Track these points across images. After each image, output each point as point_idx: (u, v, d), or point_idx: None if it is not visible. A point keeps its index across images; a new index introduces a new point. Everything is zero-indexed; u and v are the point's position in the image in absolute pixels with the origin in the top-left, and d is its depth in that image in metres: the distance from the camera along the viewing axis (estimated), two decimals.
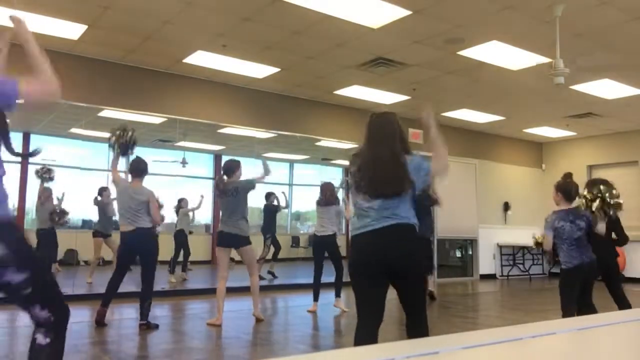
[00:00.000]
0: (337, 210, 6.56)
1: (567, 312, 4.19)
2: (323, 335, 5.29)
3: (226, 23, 5.91)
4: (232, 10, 5.58)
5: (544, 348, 1.38)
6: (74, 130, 8.16)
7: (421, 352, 1.18)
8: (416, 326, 2.86)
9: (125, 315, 6.28)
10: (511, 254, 11.45)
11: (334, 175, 13.29)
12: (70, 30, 6.16)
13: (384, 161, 2.82)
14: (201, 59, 7.07)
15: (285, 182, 13.86)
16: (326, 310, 6.87)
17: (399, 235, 2.75)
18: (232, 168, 5.47)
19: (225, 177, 5.45)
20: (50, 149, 9.36)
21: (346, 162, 12.51)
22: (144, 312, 5.05)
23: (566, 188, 4.41)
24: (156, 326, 5.13)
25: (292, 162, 13.40)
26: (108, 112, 7.63)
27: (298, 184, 13.52)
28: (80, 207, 8.76)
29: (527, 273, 11.50)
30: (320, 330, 5.53)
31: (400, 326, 5.84)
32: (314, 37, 6.24)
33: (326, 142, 9.83)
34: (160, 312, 6.40)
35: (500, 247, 11.29)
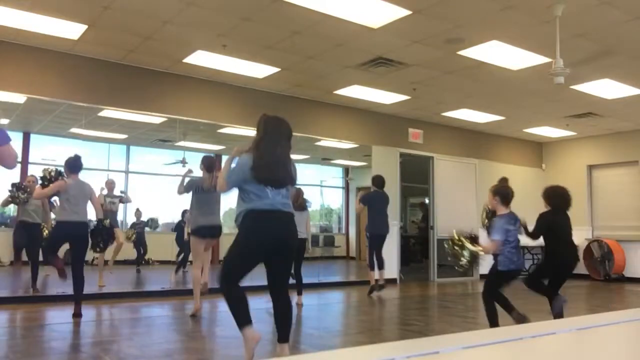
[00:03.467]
0: (308, 215, 6.85)
1: (490, 304, 4.52)
2: (323, 335, 5.29)
3: (226, 23, 5.91)
4: (232, 10, 5.59)
5: (544, 348, 1.39)
6: (74, 130, 8.16)
7: (421, 352, 1.19)
8: (283, 297, 3.44)
9: (125, 315, 6.29)
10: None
11: (334, 174, 13.30)
12: (70, 30, 6.16)
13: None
14: (201, 59, 7.07)
15: None
16: (326, 310, 6.88)
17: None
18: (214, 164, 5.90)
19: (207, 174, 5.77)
20: (50, 149, 9.36)
21: (346, 162, 12.53)
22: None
23: (504, 192, 4.56)
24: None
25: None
26: (108, 112, 7.64)
27: (298, 184, 13.52)
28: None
29: (527, 273, 11.48)
30: (320, 330, 5.54)
31: (400, 326, 5.85)
32: (314, 37, 6.24)
33: (326, 142, 9.83)
34: (160, 311, 6.40)
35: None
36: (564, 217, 5.12)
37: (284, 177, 3.32)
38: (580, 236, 11.50)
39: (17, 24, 5.98)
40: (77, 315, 5.46)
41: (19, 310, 5.51)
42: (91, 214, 5.79)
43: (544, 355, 1.33)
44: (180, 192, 5.77)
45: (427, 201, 11.34)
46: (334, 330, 5.73)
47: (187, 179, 5.85)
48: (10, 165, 2.67)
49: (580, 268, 11.35)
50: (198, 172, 5.98)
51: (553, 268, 5.08)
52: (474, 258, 4.43)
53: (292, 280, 6.90)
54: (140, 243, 9.53)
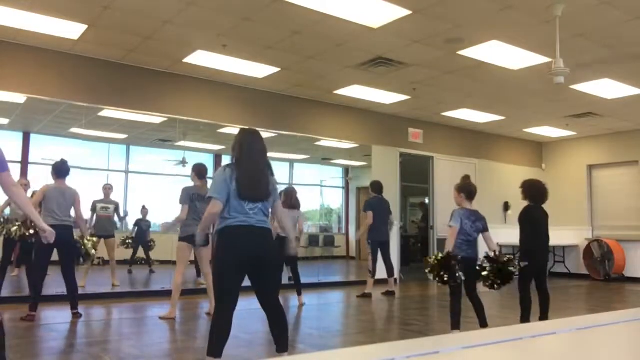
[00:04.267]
0: (299, 214, 6.86)
1: (455, 300, 4.86)
2: (323, 335, 5.29)
3: (226, 23, 5.91)
4: (232, 10, 5.58)
5: (544, 348, 1.38)
6: (74, 130, 8.15)
7: (421, 352, 1.19)
8: (273, 305, 3.43)
9: (124, 315, 6.29)
10: (511, 254, 11.43)
11: (334, 174, 13.30)
12: (70, 30, 6.16)
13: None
14: (201, 59, 7.07)
15: (285, 181, 13.88)
16: (326, 310, 6.88)
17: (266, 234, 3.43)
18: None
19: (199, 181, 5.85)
20: (50, 149, 9.35)
21: (346, 162, 12.52)
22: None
23: (468, 189, 4.86)
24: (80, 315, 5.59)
25: (292, 162, 13.41)
26: (108, 112, 7.63)
27: (298, 184, 13.52)
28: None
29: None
30: (320, 330, 5.54)
31: (400, 326, 5.85)
32: (314, 37, 6.24)
33: (326, 142, 9.83)
34: (160, 312, 6.40)
35: (500, 247, 11.24)
36: (541, 211, 5.35)
37: (262, 193, 3.40)
38: (580, 236, 11.52)
39: (17, 24, 5.98)
40: (76, 315, 5.52)
41: (18, 310, 5.51)
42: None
43: (544, 355, 1.33)
44: (182, 217, 5.78)
45: (427, 201, 11.33)
46: (334, 330, 5.73)
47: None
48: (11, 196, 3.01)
49: (581, 268, 11.37)
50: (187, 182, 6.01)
51: (531, 267, 5.26)
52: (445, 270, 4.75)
53: (291, 282, 6.95)
54: (142, 242, 9.42)
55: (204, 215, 3.39)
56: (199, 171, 5.89)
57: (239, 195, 3.29)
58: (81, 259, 5.78)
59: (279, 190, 3.60)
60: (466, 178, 5.24)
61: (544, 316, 5.28)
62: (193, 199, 5.70)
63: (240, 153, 3.43)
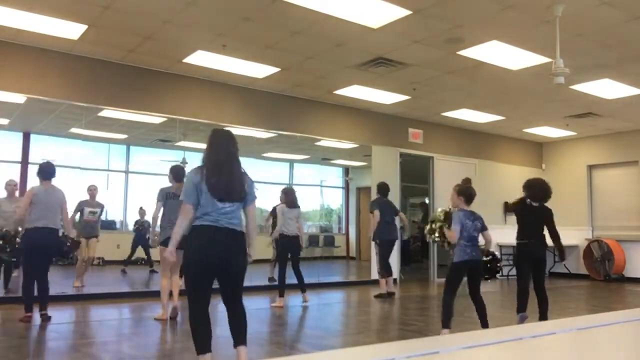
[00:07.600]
0: (299, 212, 7.05)
1: (448, 299, 4.75)
2: (323, 335, 5.28)
3: (226, 23, 5.91)
4: (232, 10, 5.59)
5: (544, 348, 1.39)
6: (74, 130, 8.14)
7: (421, 352, 1.19)
8: (235, 305, 3.38)
9: (124, 315, 6.29)
10: (511, 254, 11.44)
11: (334, 174, 13.30)
12: (70, 30, 6.17)
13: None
14: (201, 59, 7.07)
15: (285, 182, 13.88)
16: (326, 310, 6.88)
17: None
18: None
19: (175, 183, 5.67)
20: (50, 149, 9.36)
21: (346, 162, 12.53)
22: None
23: (468, 192, 4.86)
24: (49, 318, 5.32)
25: (292, 162, 13.41)
26: (108, 112, 7.63)
27: (298, 184, 13.52)
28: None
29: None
30: (320, 330, 5.53)
31: (400, 326, 5.85)
32: (314, 37, 6.24)
33: (326, 142, 9.83)
34: (160, 311, 6.40)
35: (501, 247, 11.27)
36: (539, 208, 5.41)
37: (235, 192, 3.36)
38: (580, 236, 11.51)
39: (17, 24, 5.98)
40: (44, 317, 5.29)
41: (16, 310, 5.51)
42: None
43: (544, 355, 1.33)
44: (155, 214, 5.64)
45: (427, 201, 11.33)
46: (334, 330, 5.73)
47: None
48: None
49: (581, 268, 11.37)
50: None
51: (522, 257, 5.41)
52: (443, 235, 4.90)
53: (293, 281, 6.95)
54: (140, 243, 9.42)
55: (178, 219, 3.34)
56: (176, 174, 5.75)
57: (211, 195, 3.28)
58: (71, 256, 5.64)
59: (255, 190, 3.52)
60: (467, 181, 5.23)
61: (542, 318, 5.29)
62: (167, 197, 5.59)
63: (209, 154, 3.43)
